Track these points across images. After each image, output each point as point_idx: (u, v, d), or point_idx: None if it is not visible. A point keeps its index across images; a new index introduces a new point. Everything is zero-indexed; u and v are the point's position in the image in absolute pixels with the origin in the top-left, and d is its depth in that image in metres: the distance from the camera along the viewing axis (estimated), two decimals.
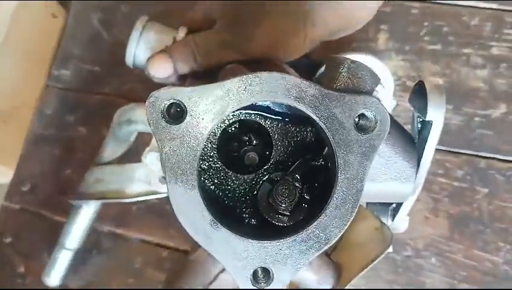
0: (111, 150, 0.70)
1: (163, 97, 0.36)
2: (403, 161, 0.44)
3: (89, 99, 0.87)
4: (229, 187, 0.45)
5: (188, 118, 0.37)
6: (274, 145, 0.46)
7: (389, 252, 0.46)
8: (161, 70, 0.48)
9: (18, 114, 0.99)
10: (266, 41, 0.46)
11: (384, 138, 0.38)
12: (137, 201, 0.67)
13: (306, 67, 0.49)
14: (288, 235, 0.39)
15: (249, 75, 0.36)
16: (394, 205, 0.49)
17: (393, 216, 0.49)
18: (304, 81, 0.37)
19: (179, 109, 0.37)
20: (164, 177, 0.56)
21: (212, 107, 0.36)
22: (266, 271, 0.40)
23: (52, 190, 0.83)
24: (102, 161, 0.70)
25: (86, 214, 0.73)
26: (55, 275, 0.74)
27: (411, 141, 0.45)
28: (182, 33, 0.54)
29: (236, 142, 0.48)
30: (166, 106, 0.36)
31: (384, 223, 0.44)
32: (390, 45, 0.80)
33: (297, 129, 0.46)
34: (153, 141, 0.63)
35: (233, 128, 0.47)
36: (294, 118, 0.46)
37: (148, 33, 0.58)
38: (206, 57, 0.47)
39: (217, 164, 0.45)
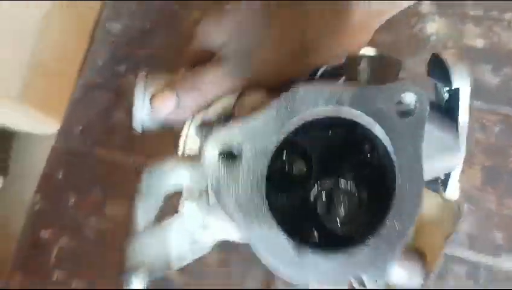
0: (144, 214, 0.69)
1: (218, 145, 0.36)
2: (443, 132, 0.45)
3: (138, 52, 0.90)
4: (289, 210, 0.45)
5: (244, 158, 0.37)
6: (313, 159, 0.47)
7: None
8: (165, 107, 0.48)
9: (64, 68, 1.00)
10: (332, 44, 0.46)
11: (427, 114, 0.39)
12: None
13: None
14: (367, 236, 0.39)
15: (288, 94, 0.36)
16: (442, 177, 0.50)
17: (445, 188, 0.50)
18: (339, 85, 0.38)
19: (232, 153, 0.37)
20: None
21: (264, 139, 0.37)
22: (359, 278, 0.40)
23: (102, 130, 0.86)
24: (139, 228, 0.69)
25: (137, 285, 0.71)
26: None
27: (445, 112, 0.46)
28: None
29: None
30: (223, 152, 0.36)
31: (444, 196, 0.45)
32: (434, 9, 0.82)
33: (333, 133, 0.46)
34: (186, 189, 0.62)
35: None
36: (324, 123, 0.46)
37: (151, 90, 0.58)
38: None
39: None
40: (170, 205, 0.64)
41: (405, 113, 0.39)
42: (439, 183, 0.50)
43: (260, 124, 0.37)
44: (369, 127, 0.39)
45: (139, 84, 0.56)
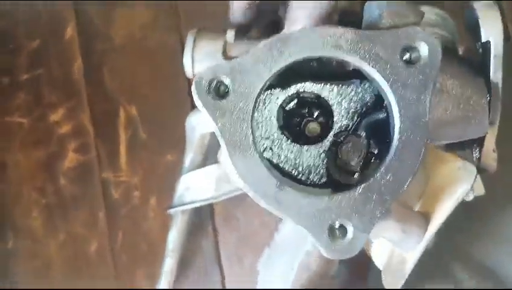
0: (191, 158, 0.74)
1: (206, 77, 0.38)
2: (471, 92, 0.41)
3: None
4: (298, 161, 0.45)
5: (232, 91, 0.38)
6: (334, 111, 0.46)
7: (479, 195, 0.43)
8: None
9: None
10: None
11: (438, 67, 0.36)
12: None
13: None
14: (358, 185, 0.38)
15: (280, 36, 0.37)
16: (476, 145, 0.46)
17: (479, 156, 0.45)
18: (337, 28, 0.36)
19: (223, 85, 0.38)
20: None
21: (253, 76, 0.38)
22: (343, 227, 0.39)
23: None
24: (186, 169, 0.74)
25: (183, 220, 0.78)
26: (165, 284, 0.79)
27: (478, 71, 0.42)
28: (230, 34, 0.57)
29: (297, 117, 0.48)
30: (212, 84, 0.38)
31: (467, 161, 0.41)
32: None
33: (354, 89, 0.45)
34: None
35: (292, 106, 0.48)
36: (348, 77, 0.45)
37: (200, 42, 0.62)
38: None
39: (281, 140, 0.46)
40: None
41: (411, 62, 0.37)
42: (473, 152, 0.46)
43: (250, 61, 0.37)
44: (370, 74, 0.38)
45: (189, 39, 0.61)
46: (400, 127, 0.37)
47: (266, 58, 0.37)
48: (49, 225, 0.88)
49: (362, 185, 0.38)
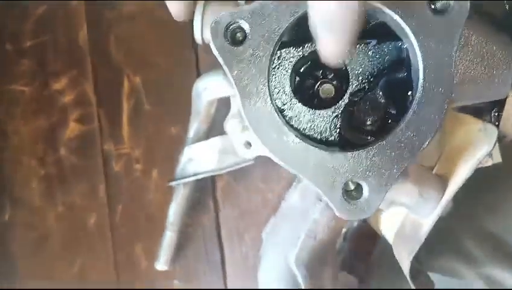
0: (196, 128, 0.72)
1: (224, 21, 0.36)
2: (496, 48, 0.39)
3: None
4: (311, 124, 0.44)
5: (250, 37, 0.36)
6: (350, 72, 0.44)
7: (496, 163, 0.41)
8: None
9: None
10: None
11: (466, 16, 0.34)
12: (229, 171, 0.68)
13: None
14: (375, 142, 0.36)
15: None
16: (496, 110, 0.44)
17: (498, 121, 0.43)
18: None
19: (241, 31, 0.37)
20: (249, 143, 0.57)
21: (273, 21, 0.36)
22: (359, 186, 0.37)
23: None
24: (191, 140, 0.73)
25: (184, 194, 0.76)
26: (163, 259, 0.77)
27: (503, 26, 0.40)
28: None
29: (311, 79, 0.46)
30: (228, 29, 0.36)
31: (487, 122, 0.40)
32: None
33: (371, 49, 0.43)
34: (232, 107, 0.64)
35: (306, 68, 0.46)
36: (367, 34, 0.43)
37: (211, 6, 0.60)
38: None
39: (294, 103, 0.44)
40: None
41: (439, 11, 0.35)
42: (492, 116, 0.44)
43: (271, 5, 0.36)
44: (393, 25, 0.36)
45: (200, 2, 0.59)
46: (423, 80, 0.35)
47: (285, 5, 0.35)
48: (48, 196, 0.86)
49: (380, 142, 0.36)
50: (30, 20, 0.89)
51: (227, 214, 0.81)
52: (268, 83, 0.36)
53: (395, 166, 0.36)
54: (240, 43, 0.37)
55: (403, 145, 0.36)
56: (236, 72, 0.37)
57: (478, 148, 0.38)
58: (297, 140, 0.37)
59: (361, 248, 0.64)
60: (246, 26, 0.36)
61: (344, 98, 0.43)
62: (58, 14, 0.88)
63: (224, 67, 0.37)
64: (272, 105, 0.36)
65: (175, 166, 0.75)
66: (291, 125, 0.40)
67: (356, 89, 0.43)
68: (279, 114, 0.37)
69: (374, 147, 0.36)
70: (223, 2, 0.60)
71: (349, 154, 0.37)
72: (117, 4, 0.86)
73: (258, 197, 0.80)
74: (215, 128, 0.73)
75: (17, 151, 0.87)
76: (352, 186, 0.37)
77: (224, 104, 0.70)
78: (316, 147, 0.37)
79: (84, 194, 0.85)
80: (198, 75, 0.82)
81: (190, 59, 0.83)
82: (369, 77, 0.43)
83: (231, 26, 0.37)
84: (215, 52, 0.37)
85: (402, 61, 0.42)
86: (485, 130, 0.39)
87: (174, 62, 0.84)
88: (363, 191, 0.37)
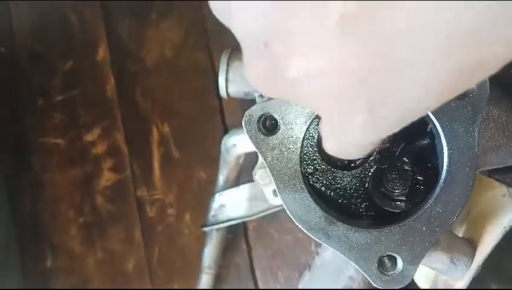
0: (226, 176, 0.75)
1: (256, 113, 0.39)
2: None
3: None
4: (339, 185, 0.46)
5: (282, 127, 0.39)
6: None
7: None
8: None
9: None
10: None
11: (486, 98, 0.36)
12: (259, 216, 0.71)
13: None
14: (408, 218, 0.38)
15: None
16: None
17: None
18: None
19: (273, 121, 0.39)
20: (275, 190, 0.60)
21: (301, 111, 0.38)
22: (392, 258, 0.39)
23: None
24: (221, 187, 0.76)
25: (218, 237, 0.79)
26: None
27: None
28: None
29: None
30: (261, 120, 0.39)
31: (511, 187, 0.41)
32: None
33: None
34: (260, 158, 0.67)
35: None
36: None
37: (234, 63, 0.63)
38: None
39: (322, 165, 0.46)
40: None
41: (461, 95, 0.37)
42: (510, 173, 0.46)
43: None
44: None
45: (223, 59, 0.62)
46: (448, 159, 0.37)
47: None
48: (87, 242, 0.91)
49: (411, 217, 0.38)
50: (58, 75, 0.93)
51: (260, 254, 0.84)
52: (301, 167, 0.39)
53: (427, 239, 0.38)
54: (271, 131, 0.39)
55: (433, 219, 0.38)
56: (270, 158, 0.39)
57: (504, 216, 0.40)
58: (334, 221, 0.39)
59: None
60: (276, 116, 0.39)
61: (369, 160, 0.45)
62: (85, 68, 0.92)
63: (259, 155, 0.39)
64: (306, 189, 0.39)
65: (206, 209, 0.79)
66: (320, 192, 0.42)
67: (382, 155, 0.45)
68: (314, 195, 0.39)
69: (406, 222, 0.38)
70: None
71: (383, 229, 0.39)
72: (140, 56, 0.90)
73: (289, 237, 0.83)
74: (243, 173, 0.76)
75: (55, 201, 0.92)
76: (386, 259, 0.39)
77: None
78: (353, 226, 0.39)
79: (121, 240, 0.89)
80: (223, 119, 0.85)
81: (214, 105, 0.86)
82: (395, 142, 0.45)
83: (263, 117, 0.39)
84: (252, 143, 0.39)
85: (426, 127, 0.44)
86: (510, 196, 0.40)
87: (198, 109, 0.88)
88: (397, 264, 0.39)
